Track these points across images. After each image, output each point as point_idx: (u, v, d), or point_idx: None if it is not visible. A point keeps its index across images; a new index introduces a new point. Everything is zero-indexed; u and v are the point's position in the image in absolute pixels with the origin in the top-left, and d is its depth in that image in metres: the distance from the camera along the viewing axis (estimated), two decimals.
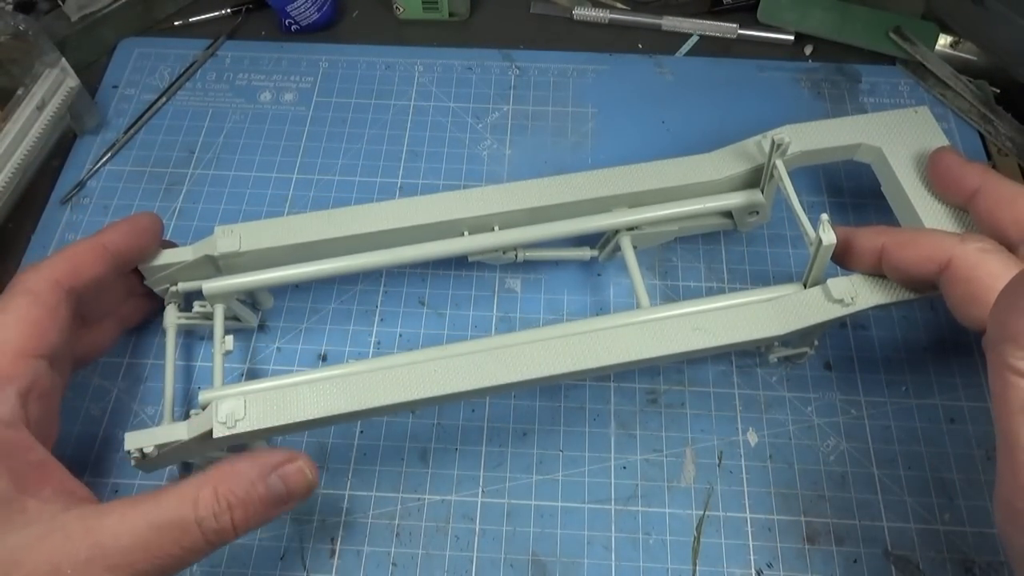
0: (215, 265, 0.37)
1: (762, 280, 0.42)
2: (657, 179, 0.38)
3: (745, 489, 0.37)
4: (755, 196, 0.39)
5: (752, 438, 0.38)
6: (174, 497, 0.28)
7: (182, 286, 0.38)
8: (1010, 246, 0.31)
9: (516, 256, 0.40)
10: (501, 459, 0.38)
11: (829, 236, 0.33)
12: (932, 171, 0.36)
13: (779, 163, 0.37)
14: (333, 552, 0.36)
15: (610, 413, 0.39)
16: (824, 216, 0.33)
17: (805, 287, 0.35)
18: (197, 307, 0.38)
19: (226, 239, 0.37)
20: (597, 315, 0.39)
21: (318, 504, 0.37)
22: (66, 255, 0.33)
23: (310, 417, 0.32)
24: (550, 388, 0.39)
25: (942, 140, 0.38)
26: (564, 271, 0.43)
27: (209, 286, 0.37)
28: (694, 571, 0.35)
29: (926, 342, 0.40)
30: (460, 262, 0.42)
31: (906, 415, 0.38)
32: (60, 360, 0.32)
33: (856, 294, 0.34)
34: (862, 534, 0.36)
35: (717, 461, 0.37)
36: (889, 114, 0.39)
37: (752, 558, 0.35)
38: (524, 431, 0.38)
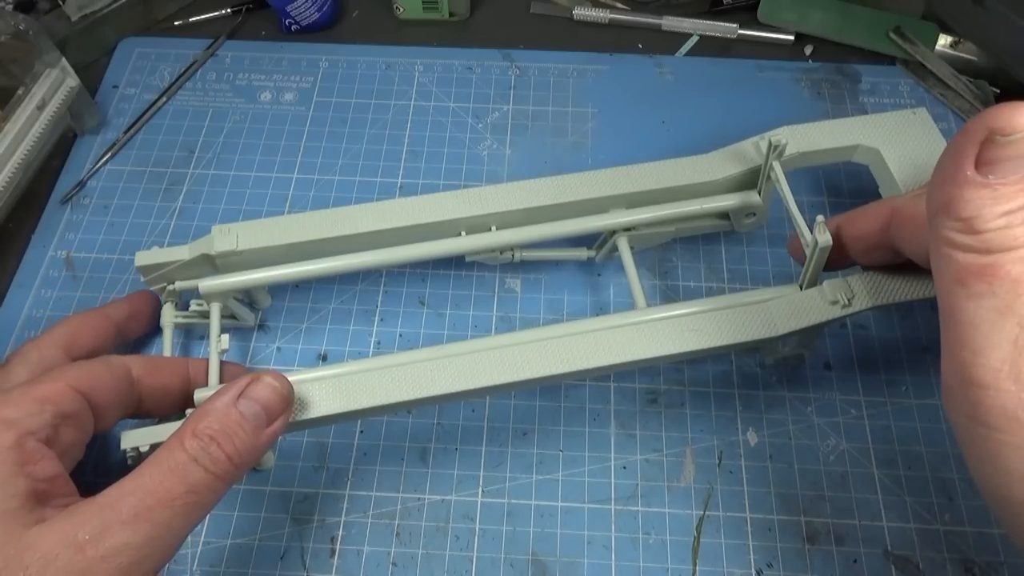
0: (212, 264, 0.37)
1: (762, 280, 0.42)
2: (654, 180, 0.38)
3: (745, 489, 0.37)
4: (752, 198, 0.39)
5: (752, 438, 0.38)
6: (163, 450, 0.28)
7: (179, 285, 0.38)
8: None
9: (513, 256, 0.40)
10: (501, 459, 0.38)
11: (825, 238, 0.33)
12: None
13: (776, 165, 0.37)
14: (333, 552, 0.36)
15: (610, 413, 0.39)
16: (820, 218, 0.33)
17: (801, 289, 0.35)
18: (194, 305, 0.38)
19: (223, 238, 0.37)
20: (596, 315, 0.39)
21: (318, 504, 0.37)
22: (151, 358, 0.36)
23: (305, 417, 0.32)
24: (550, 388, 0.39)
25: (940, 142, 0.38)
26: (564, 271, 0.43)
27: (205, 284, 0.37)
28: (694, 571, 0.35)
29: (926, 342, 0.40)
30: (460, 262, 0.42)
31: (906, 415, 0.38)
32: (107, 412, 0.32)
33: (853, 295, 0.34)
34: (862, 534, 0.36)
35: (717, 461, 0.37)
36: (887, 115, 0.39)
37: (752, 558, 0.35)
38: (524, 431, 0.38)
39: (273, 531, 0.36)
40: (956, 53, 0.50)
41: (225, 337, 0.36)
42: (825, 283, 0.34)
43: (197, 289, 0.37)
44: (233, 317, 0.40)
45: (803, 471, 0.37)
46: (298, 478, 0.37)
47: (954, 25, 0.50)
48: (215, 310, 0.38)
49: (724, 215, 0.40)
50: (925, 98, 0.49)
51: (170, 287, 0.38)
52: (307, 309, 0.42)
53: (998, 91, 0.48)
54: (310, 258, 0.38)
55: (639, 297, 0.37)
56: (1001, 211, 0.24)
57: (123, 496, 0.27)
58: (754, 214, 0.40)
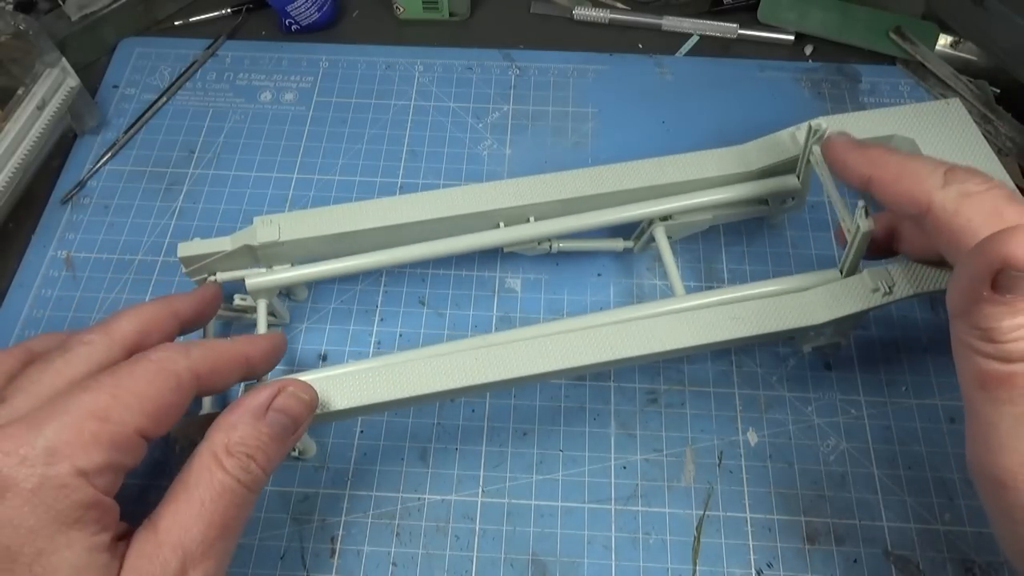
0: (253, 255, 0.37)
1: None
2: (691, 170, 0.39)
3: (745, 489, 0.37)
4: (791, 182, 0.39)
5: (752, 438, 0.38)
6: (203, 473, 0.28)
7: (220, 276, 0.38)
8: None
9: (551, 247, 0.40)
10: (501, 459, 0.38)
11: (867, 223, 0.33)
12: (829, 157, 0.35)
13: (816, 149, 0.37)
14: (333, 552, 0.36)
15: (610, 413, 0.39)
16: (861, 203, 0.33)
17: (842, 274, 0.35)
18: (238, 300, 0.38)
19: (265, 229, 0.37)
20: (636, 303, 0.39)
21: (318, 504, 0.37)
22: (214, 356, 0.30)
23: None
24: (550, 388, 0.39)
25: (974, 132, 0.38)
26: (564, 271, 0.43)
27: (253, 281, 0.37)
28: (694, 571, 0.35)
29: (926, 342, 0.40)
30: (460, 262, 0.42)
31: (906, 415, 0.38)
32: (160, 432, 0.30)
33: (893, 283, 0.34)
34: (862, 534, 0.36)
35: (717, 461, 0.37)
36: (921, 106, 0.39)
37: (752, 558, 0.35)
38: (524, 431, 0.38)
39: (273, 531, 0.36)
40: (956, 53, 0.50)
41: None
42: (865, 271, 0.34)
43: (235, 281, 0.37)
44: (272, 314, 0.40)
45: (803, 471, 0.37)
46: (298, 478, 0.37)
47: (954, 25, 0.50)
48: (262, 307, 0.38)
49: (762, 200, 0.41)
50: (925, 98, 0.49)
51: (211, 279, 0.38)
52: (307, 309, 0.42)
53: (998, 91, 0.48)
54: (350, 249, 0.38)
55: (677, 285, 0.37)
56: (1020, 323, 0.25)
57: (187, 530, 0.27)
58: (791, 199, 0.40)
